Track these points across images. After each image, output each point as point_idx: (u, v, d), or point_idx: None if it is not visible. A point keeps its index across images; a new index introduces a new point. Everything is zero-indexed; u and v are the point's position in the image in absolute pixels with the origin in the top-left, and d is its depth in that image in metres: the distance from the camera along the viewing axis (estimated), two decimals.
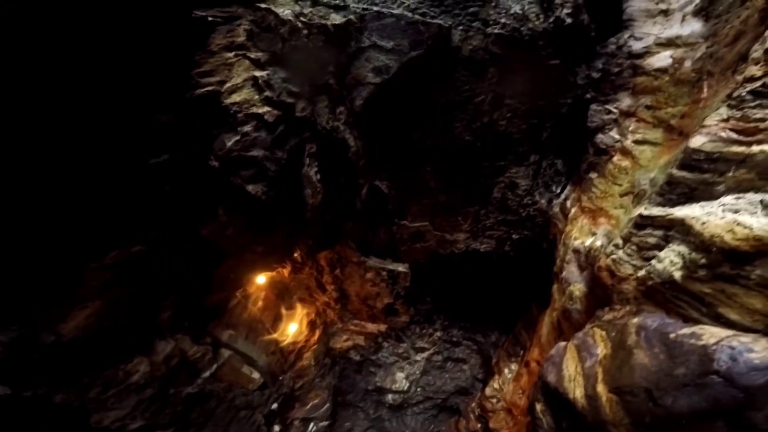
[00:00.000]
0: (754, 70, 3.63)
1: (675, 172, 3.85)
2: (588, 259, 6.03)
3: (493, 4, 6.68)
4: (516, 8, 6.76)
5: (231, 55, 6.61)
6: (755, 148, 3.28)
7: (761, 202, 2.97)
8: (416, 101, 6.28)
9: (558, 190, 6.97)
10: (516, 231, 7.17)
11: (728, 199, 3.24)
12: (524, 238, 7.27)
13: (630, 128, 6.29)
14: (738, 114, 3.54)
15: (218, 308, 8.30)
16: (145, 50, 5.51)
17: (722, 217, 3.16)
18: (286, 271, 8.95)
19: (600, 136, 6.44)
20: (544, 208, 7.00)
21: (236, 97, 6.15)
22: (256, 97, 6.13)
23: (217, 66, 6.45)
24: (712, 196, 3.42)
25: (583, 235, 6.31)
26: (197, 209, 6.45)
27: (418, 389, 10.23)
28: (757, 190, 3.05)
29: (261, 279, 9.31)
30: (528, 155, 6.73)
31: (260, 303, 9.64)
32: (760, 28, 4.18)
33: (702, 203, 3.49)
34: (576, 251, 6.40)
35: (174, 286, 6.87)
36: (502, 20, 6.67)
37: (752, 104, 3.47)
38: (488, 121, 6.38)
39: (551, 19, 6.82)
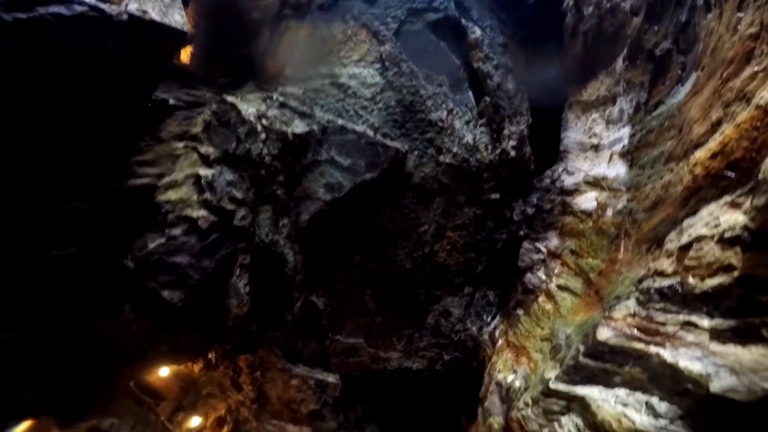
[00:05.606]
0: (666, 265, 3.85)
1: (581, 359, 4.52)
2: (508, 396, 6.66)
3: (448, 131, 7.56)
4: (468, 138, 7.72)
5: (181, 145, 6.58)
6: (652, 349, 3.75)
7: (646, 403, 3.64)
8: (363, 223, 6.73)
9: (488, 319, 7.64)
10: (448, 352, 7.63)
11: (621, 392, 3.93)
12: (455, 359, 7.74)
13: (555, 270, 7.25)
14: (643, 313, 4.01)
15: (103, 394, 7.48)
16: (81, 127, 5.26)
17: (614, 407, 3.88)
18: (196, 367, 8.31)
19: (528, 276, 7.32)
20: (475, 334, 7.60)
21: (172, 195, 6.07)
22: (194, 197, 6.11)
23: (161, 156, 6.36)
24: (609, 384, 4.10)
25: (506, 369, 6.91)
26: (98, 304, 6.02)
27: None
28: (644, 391, 3.73)
29: (164, 371, 8.57)
30: (463, 287, 7.41)
31: (158, 393, 8.82)
32: (680, 212, 4.01)
33: (600, 387, 4.18)
34: (499, 384, 6.95)
35: (53, 374, 6.18)
36: (455, 149, 7.55)
37: (657, 306, 3.84)
38: (429, 252, 7.02)
39: (498, 151, 7.87)
